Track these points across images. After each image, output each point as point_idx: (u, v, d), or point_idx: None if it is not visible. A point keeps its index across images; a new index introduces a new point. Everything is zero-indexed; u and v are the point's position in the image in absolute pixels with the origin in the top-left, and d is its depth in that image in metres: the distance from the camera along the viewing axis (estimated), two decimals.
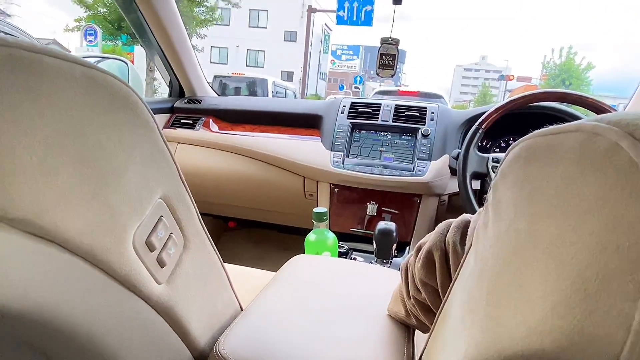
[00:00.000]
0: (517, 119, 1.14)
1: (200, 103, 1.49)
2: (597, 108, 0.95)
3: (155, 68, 1.50)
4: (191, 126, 1.43)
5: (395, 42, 1.00)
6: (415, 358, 0.49)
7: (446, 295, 0.39)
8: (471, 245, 0.34)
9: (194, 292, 0.44)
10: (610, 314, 0.16)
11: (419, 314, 0.47)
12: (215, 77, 8.66)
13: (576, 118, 1.13)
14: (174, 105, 1.49)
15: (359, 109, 1.31)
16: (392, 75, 1.02)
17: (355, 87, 17.63)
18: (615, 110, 0.93)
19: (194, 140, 1.41)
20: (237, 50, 22.14)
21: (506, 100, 1.02)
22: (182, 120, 1.45)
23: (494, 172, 1.00)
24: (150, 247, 0.36)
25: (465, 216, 0.43)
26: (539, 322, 0.19)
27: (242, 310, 0.56)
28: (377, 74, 1.01)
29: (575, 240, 0.18)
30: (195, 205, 0.45)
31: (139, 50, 8.77)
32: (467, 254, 0.35)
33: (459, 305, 0.32)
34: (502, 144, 1.29)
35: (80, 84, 0.28)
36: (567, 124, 0.21)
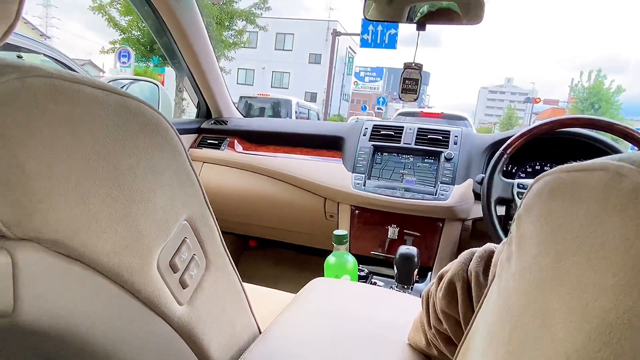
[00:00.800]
0: (544, 144, 1.12)
1: (226, 124, 1.53)
2: (626, 135, 0.92)
3: (184, 89, 1.56)
4: (217, 146, 1.47)
5: (419, 67, 1.01)
6: None
7: (468, 328, 0.38)
8: (494, 277, 0.33)
9: (214, 313, 0.45)
10: (636, 358, 0.16)
11: (439, 345, 0.45)
12: (241, 97, 8.91)
13: (604, 144, 1.10)
14: (201, 126, 1.53)
15: (381, 132, 1.32)
16: (415, 100, 1.02)
17: (378, 108, 17.68)
18: None
19: (219, 160, 1.44)
20: (263, 72, 22.78)
21: (531, 126, 1.00)
22: (208, 141, 1.49)
23: (519, 198, 0.98)
24: (174, 268, 0.36)
25: (489, 246, 0.43)
26: None
27: (260, 332, 0.56)
28: (400, 98, 1.02)
29: (599, 281, 0.17)
30: (217, 226, 0.45)
31: (170, 71, 9.11)
32: (490, 286, 0.34)
33: (481, 339, 0.31)
34: (528, 169, 1.26)
35: (115, 111, 0.30)
36: (591, 161, 0.21)
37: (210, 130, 1.53)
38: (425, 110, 7.61)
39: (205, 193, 0.43)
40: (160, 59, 9.69)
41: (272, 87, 22.20)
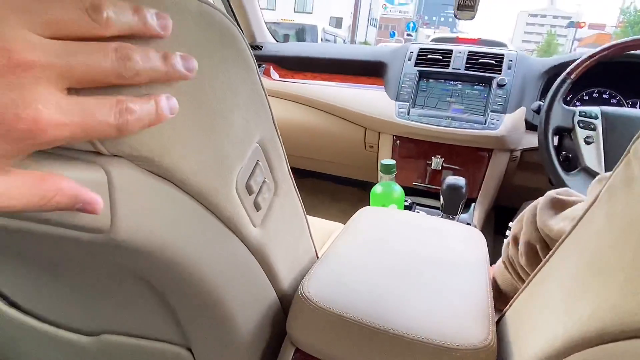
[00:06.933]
0: (603, 69, 1.02)
1: (260, 49, 1.46)
2: None
3: None
4: None
5: None
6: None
7: (544, 261, 0.37)
8: (595, 201, 0.31)
9: (281, 236, 0.45)
10: None
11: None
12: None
13: None
14: None
15: (428, 56, 1.23)
16: (472, 18, 0.92)
17: (408, 35, 16.59)
18: None
19: None
20: None
21: (603, 47, 0.90)
22: None
23: (580, 126, 0.91)
24: (249, 190, 0.35)
25: (549, 194, 0.47)
26: None
27: (317, 257, 0.57)
28: (455, 16, 0.92)
29: None
30: (284, 150, 0.44)
31: None
32: (586, 212, 0.32)
33: (576, 268, 0.30)
34: (584, 97, 1.17)
35: (194, 19, 0.27)
36: None
37: None
38: (461, 35, 7.09)
39: (274, 115, 0.41)
40: None
41: (295, 11, 20.99)
